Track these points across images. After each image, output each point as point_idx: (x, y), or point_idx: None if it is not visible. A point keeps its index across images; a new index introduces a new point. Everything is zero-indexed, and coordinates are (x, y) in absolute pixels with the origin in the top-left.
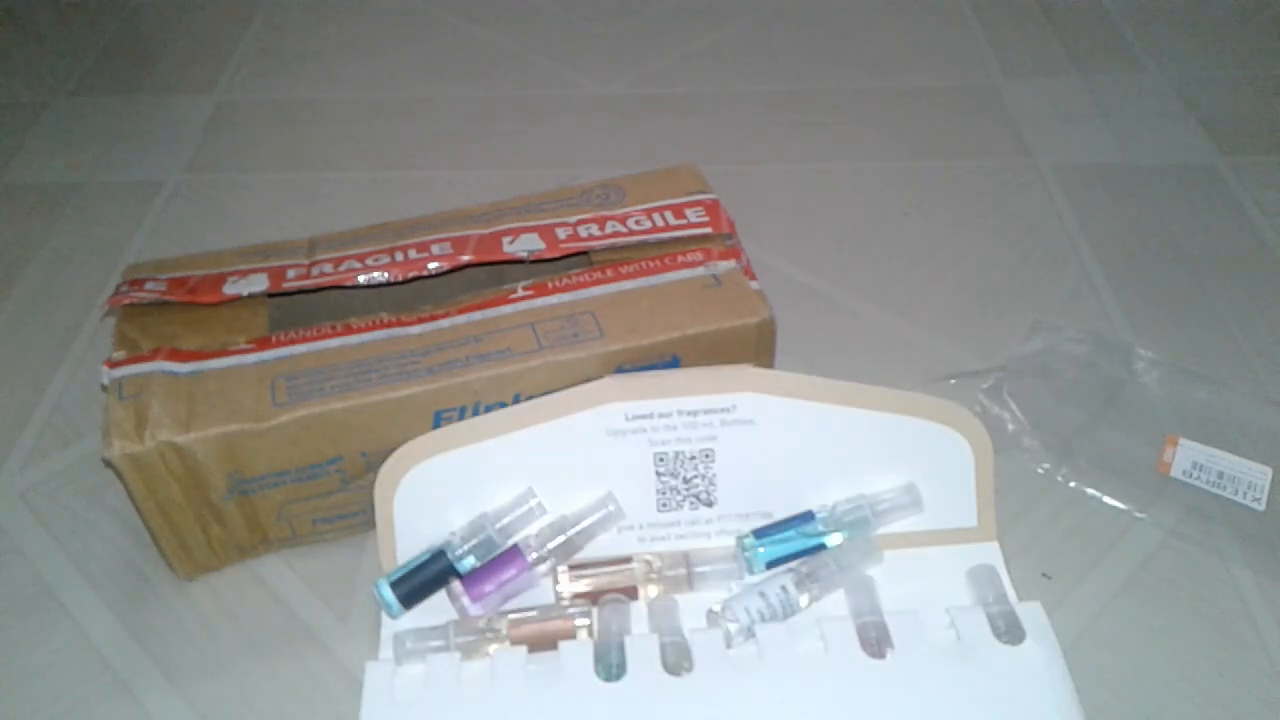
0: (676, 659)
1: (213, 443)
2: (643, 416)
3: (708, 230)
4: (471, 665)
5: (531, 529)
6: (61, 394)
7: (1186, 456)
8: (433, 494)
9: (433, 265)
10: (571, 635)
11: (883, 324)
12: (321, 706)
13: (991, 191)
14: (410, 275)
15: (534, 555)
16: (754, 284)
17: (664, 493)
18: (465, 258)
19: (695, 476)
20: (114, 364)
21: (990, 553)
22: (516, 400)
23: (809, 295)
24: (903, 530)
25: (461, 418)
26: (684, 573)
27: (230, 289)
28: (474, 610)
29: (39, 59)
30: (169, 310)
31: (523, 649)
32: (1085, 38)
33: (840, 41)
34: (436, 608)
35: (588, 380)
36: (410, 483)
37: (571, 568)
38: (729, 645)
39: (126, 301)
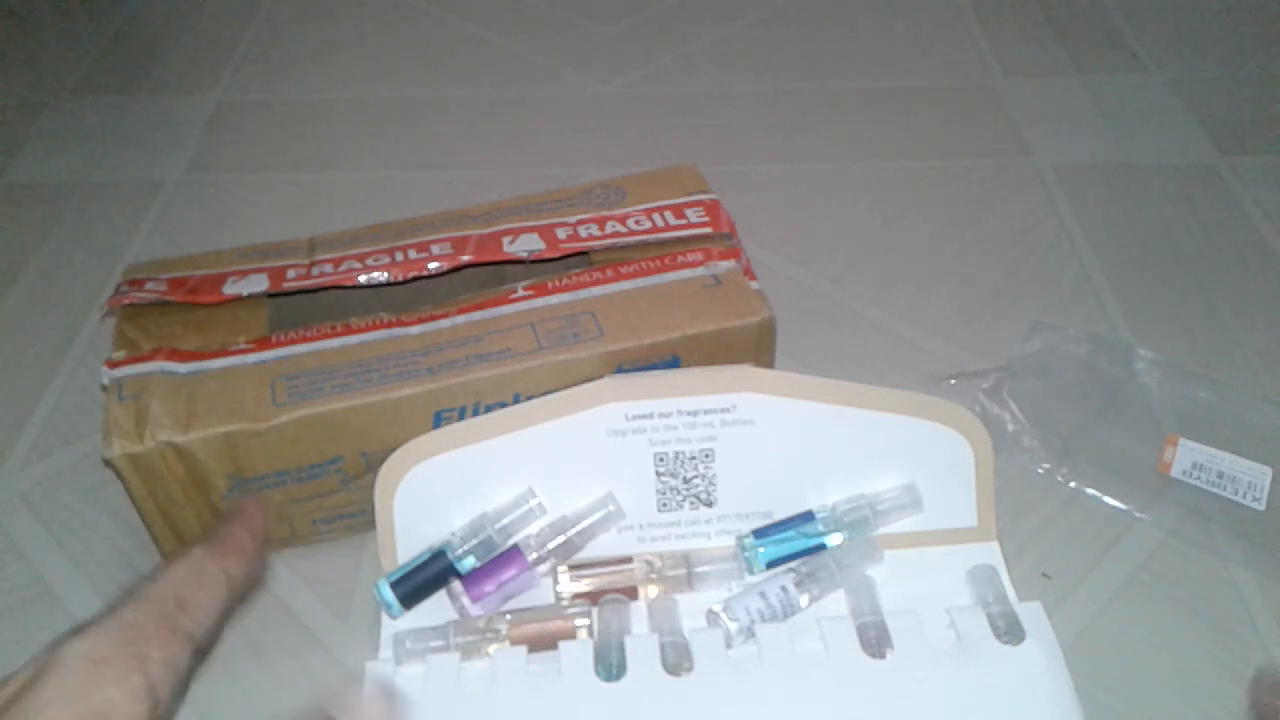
0: (676, 659)
1: (213, 443)
2: (643, 416)
3: (708, 230)
4: (471, 665)
5: (531, 529)
6: (61, 394)
7: (1186, 456)
8: (433, 494)
9: (433, 265)
10: (571, 635)
11: (883, 324)
12: None
13: (991, 191)
14: (410, 275)
15: (534, 555)
16: (754, 284)
17: (664, 493)
18: (465, 258)
19: (695, 476)
20: (114, 364)
21: (990, 553)
22: (516, 400)
23: (809, 295)
24: (903, 530)
25: (461, 418)
26: (684, 573)
27: (230, 289)
28: (474, 610)
29: (39, 59)
30: (169, 310)
31: (523, 649)
32: (1085, 38)
33: (840, 41)
34: (436, 608)
35: (588, 380)
36: (410, 483)
37: (571, 568)
38: (729, 645)
39: (126, 301)
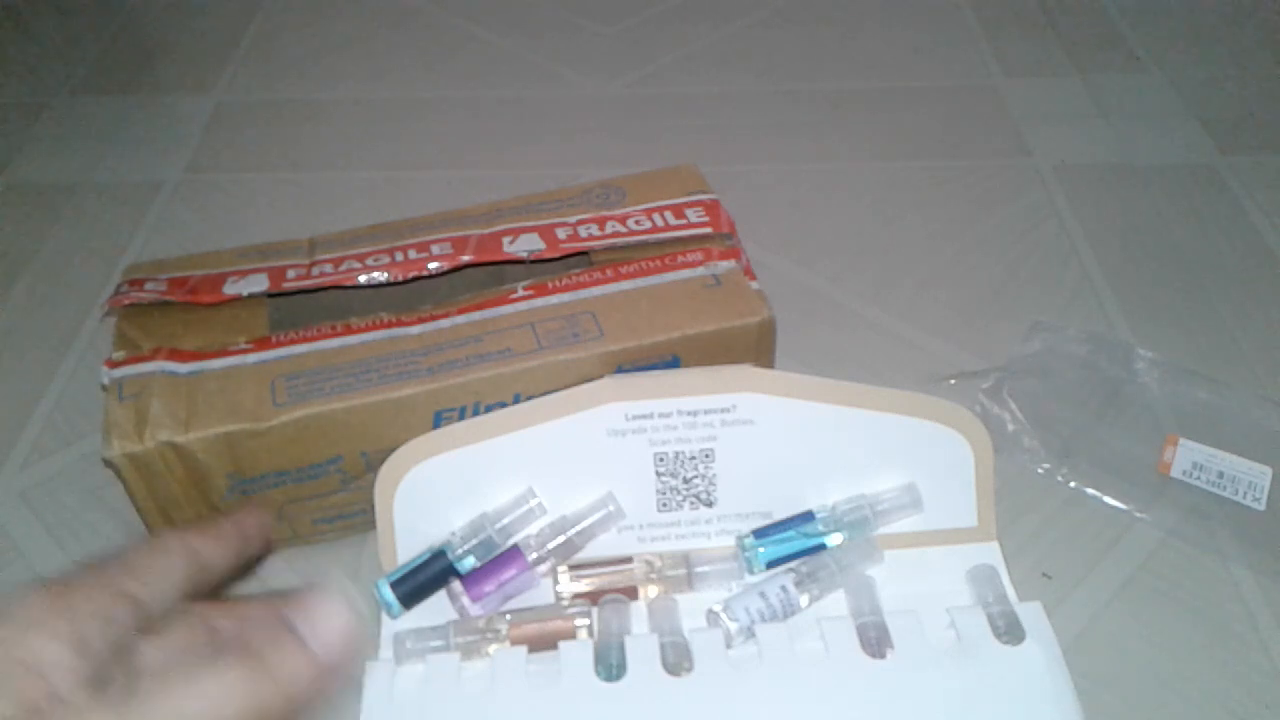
0: (676, 659)
1: (213, 443)
2: (643, 416)
3: (708, 230)
4: (471, 665)
5: (531, 529)
6: (61, 394)
7: (1186, 456)
8: (433, 494)
9: (433, 265)
10: (571, 635)
11: (883, 324)
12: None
13: (991, 191)
14: (410, 275)
15: (534, 555)
16: (754, 284)
17: (664, 493)
18: (465, 258)
19: (695, 476)
20: (114, 364)
21: (990, 553)
22: (516, 400)
23: (809, 295)
24: (903, 530)
25: (461, 418)
26: (684, 573)
27: (230, 289)
28: (474, 610)
29: (39, 59)
30: (169, 310)
31: (523, 649)
32: (1085, 38)
33: (840, 41)
34: (436, 608)
35: (588, 380)
36: (410, 483)
37: (571, 568)
38: (729, 645)
39: (126, 301)
